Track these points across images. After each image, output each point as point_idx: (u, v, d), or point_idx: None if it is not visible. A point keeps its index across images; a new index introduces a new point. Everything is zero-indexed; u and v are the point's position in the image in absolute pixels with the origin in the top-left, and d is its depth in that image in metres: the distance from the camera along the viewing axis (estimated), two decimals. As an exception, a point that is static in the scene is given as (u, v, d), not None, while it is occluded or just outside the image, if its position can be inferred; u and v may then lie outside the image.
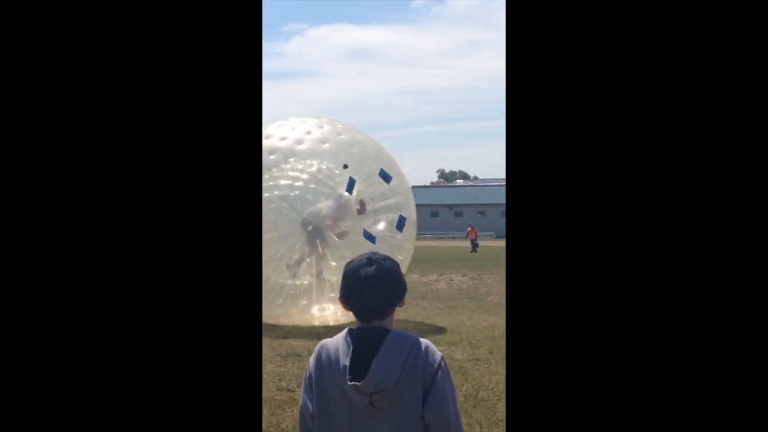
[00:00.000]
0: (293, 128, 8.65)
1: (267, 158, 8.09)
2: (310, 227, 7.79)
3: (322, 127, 8.73)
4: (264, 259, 7.29)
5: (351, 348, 1.91)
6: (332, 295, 7.67)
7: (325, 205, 7.88)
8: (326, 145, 8.36)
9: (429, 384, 1.89)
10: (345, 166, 7.90)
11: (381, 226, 8.32)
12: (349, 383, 1.86)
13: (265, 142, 8.20)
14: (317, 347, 2.01)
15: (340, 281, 2.14)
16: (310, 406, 1.97)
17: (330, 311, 8.12)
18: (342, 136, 8.70)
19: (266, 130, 8.51)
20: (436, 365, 1.91)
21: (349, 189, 7.79)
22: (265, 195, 7.64)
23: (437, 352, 1.95)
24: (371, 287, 1.94)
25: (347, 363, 1.89)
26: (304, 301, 8.02)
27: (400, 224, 8.09)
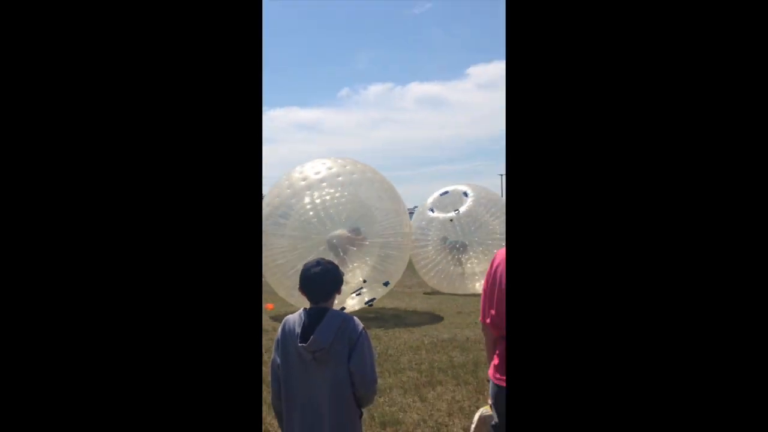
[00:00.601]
0: (314, 167, 9.53)
1: (300, 184, 9.15)
2: (334, 240, 8.86)
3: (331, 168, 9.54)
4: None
5: (302, 321, 2.46)
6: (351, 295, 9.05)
7: (342, 231, 8.93)
8: (340, 178, 9.28)
9: (353, 345, 2.43)
10: (364, 281, 9.03)
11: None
12: (299, 345, 2.40)
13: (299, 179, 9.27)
14: (283, 321, 2.56)
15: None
16: (278, 360, 2.51)
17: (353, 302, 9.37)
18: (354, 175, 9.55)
19: (294, 171, 9.57)
20: (358, 333, 2.45)
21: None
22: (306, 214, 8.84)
23: (360, 324, 2.50)
24: (317, 280, 2.50)
25: (299, 331, 2.43)
26: None
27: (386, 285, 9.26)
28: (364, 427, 4.59)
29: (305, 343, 2.40)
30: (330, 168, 9.48)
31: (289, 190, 9.18)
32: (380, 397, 5.45)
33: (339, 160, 9.85)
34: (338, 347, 2.42)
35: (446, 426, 4.71)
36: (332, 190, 9.06)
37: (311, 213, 8.91)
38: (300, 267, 2.64)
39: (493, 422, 2.56)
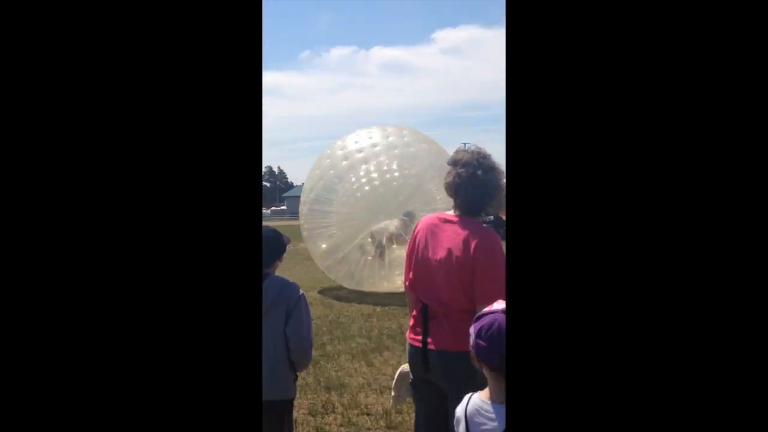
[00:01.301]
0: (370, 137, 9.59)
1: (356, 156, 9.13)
2: (372, 237, 8.71)
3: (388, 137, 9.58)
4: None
5: None
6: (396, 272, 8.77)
7: (391, 222, 8.60)
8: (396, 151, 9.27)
9: (291, 311, 2.46)
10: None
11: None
12: None
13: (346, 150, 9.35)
14: None
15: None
16: None
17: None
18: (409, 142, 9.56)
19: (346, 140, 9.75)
20: (295, 299, 2.47)
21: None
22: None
23: (299, 290, 2.51)
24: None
25: None
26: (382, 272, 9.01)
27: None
28: (309, 392, 4.82)
29: None
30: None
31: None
32: (328, 363, 5.69)
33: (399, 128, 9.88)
34: (275, 313, 2.44)
35: (389, 389, 4.92)
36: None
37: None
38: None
39: (410, 379, 2.62)
